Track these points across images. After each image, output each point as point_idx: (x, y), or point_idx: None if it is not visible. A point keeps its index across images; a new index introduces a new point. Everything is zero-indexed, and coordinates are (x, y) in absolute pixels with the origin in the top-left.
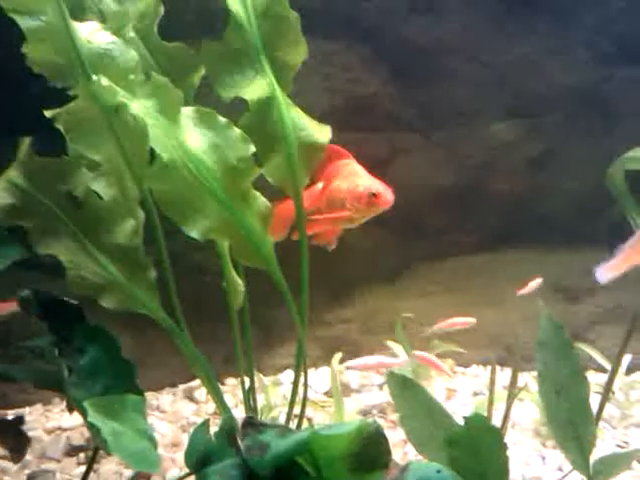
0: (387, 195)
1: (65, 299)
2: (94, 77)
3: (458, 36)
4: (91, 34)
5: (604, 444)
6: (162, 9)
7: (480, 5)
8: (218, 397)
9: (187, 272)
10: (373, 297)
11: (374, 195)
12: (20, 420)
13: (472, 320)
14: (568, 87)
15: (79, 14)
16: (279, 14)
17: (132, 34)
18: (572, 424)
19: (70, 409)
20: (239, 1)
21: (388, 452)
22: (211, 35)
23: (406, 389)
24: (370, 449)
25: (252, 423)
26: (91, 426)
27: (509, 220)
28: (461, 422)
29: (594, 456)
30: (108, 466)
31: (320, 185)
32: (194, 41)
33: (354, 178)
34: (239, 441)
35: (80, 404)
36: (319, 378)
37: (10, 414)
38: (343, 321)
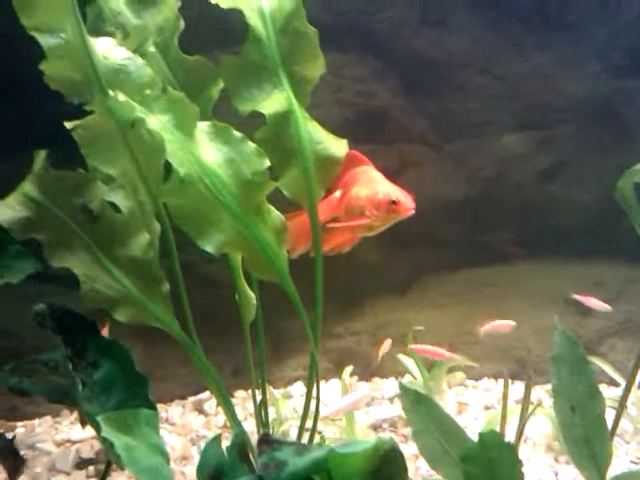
0: (407, 202)
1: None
2: (111, 92)
3: (469, 49)
4: (107, 50)
5: (618, 460)
6: (182, 23)
7: (491, 18)
8: (229, 410)
9: (198, 284)
10: (383, 309)
11: (394, 202)
12: (12, 441)
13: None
14: (579, 99)
15: (99, 26)
16: (298, 29)
17: (152, 49)
18: (587, 442)
19: (83, 423)
20: (258, 16)
21: (404, 469)
22: (227, 48)
23: (419, 404)
24: (386, 467)
25: (268, 440)
26: (104, 441)
27: (520, 232)
28: (473, 437)
29: (608, 472)
30: (119, 479)
31: (338, 193)
32: (210, 54)
33: (373, 185)
34: (251, 456)
35: (93, 419)
36: (330, 390)
37: (19, 426)
38: (353, 333)
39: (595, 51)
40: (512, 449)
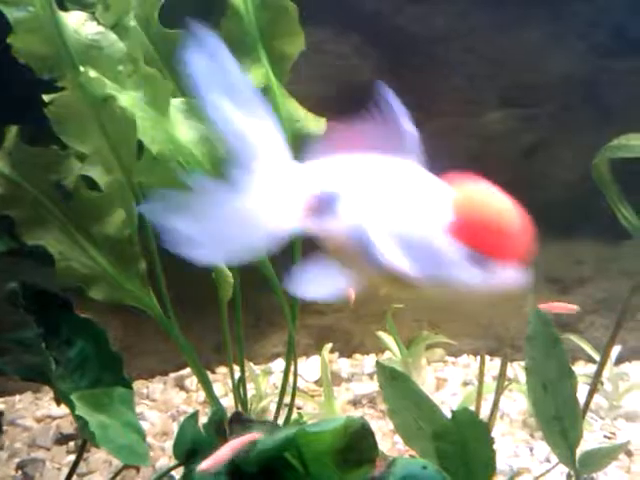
0: None
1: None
2: (82, 69)
3: (452, 25)
4: (79, 25)
5: (592, 435)
6: None
7: None
8: (208, 390)
9: (180, 259)
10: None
11: None
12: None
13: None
14: (564, 77)
15: None
16: (278, 4)
17: (133, 22)
18: (559, 419)
19: (58, 401)
20: None
21: (374, 447)
22: (208, 22)
23: (394, 381)
24: (356, 445)
25: (239, 419)
26: (78, 419)
27: None
28: (450, 414)
29: (582, 447)
30: (97, 455)
31: None
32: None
33: None
34: (228, 433)
35: (67, 397)
36: (310, 367)
37: (0, 402)
38: (334, 310)
39: (579, 30)
40: (484, 427)
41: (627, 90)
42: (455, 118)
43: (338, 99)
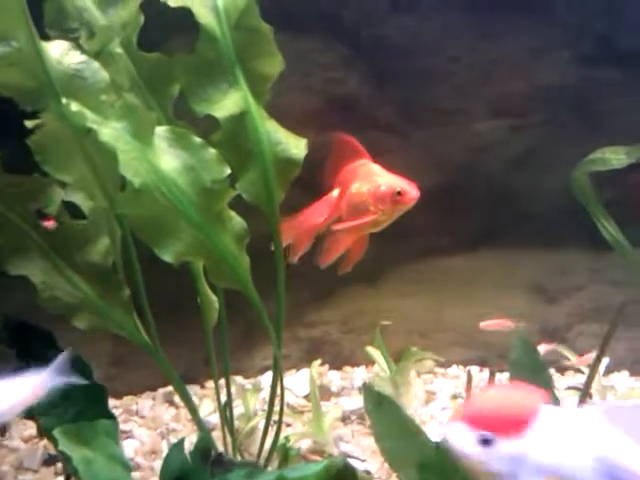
0: (411, 191)
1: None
2: (64, 100)
3: (439, 35)
4: (62, 55)
5: None
6: (142, 18)
7: (461, 4)
8: (194, 414)
9: (170, 272)
10: (354, 298)
11: (399, 193)
12: None
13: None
14: (550, 87)
15: (60, 23)
16: (252, 26)
17: (119, 49)
18: None
19: (41, 434)
20: (212, 13)
21: None
22: (186, 44)
23: (382, 406)
24: None
25: (221, 461)
26: (62, 454)
27: (489, 221)
28: (440, 428)
29: None
30: None
31: (336, 192)
32: (169, 49)
33: (374, 178)
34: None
35: (51, 432)
36: (300, 380)
37: None
38: (324, 322)
39: (565, 39)
40: None
41: (614, 99)
42: (443, 128)
43: (323, 110)
